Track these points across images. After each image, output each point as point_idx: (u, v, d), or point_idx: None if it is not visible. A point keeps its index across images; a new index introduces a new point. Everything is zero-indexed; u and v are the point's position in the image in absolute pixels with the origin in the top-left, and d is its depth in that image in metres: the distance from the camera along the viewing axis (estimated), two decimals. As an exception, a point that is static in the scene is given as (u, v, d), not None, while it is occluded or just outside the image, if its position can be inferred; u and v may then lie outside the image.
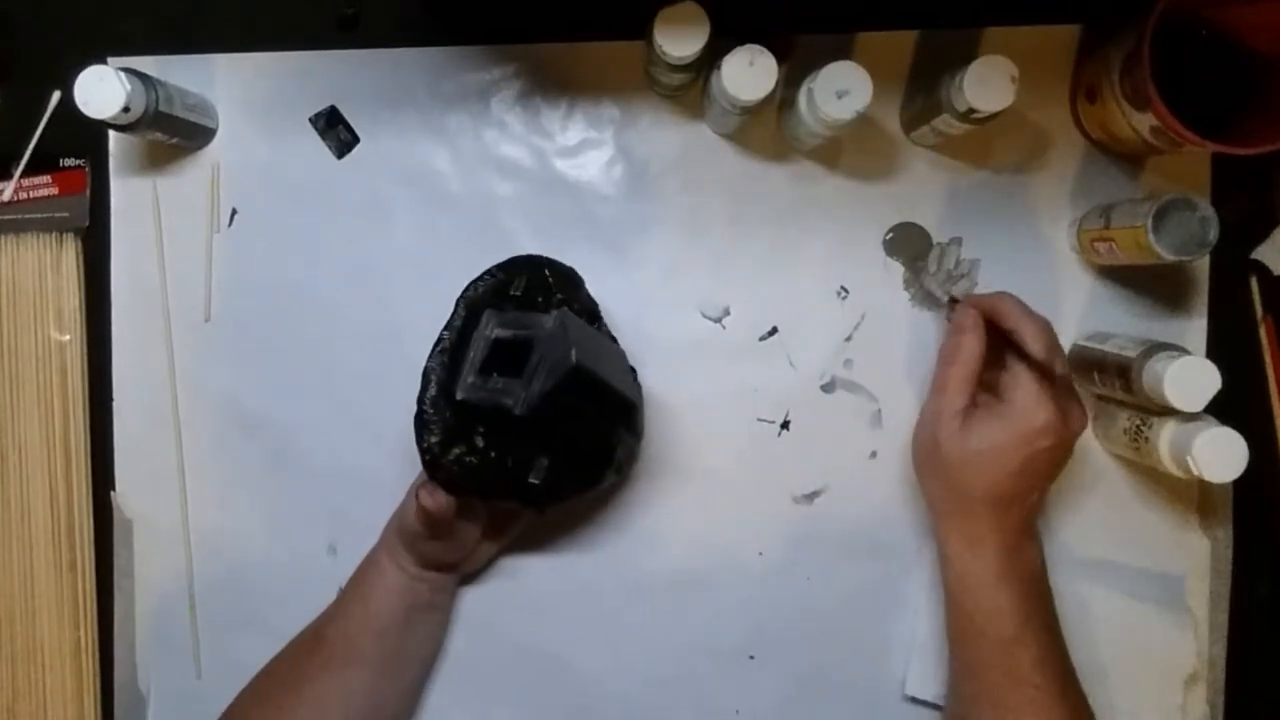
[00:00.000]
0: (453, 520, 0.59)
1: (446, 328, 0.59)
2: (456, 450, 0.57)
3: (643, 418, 0.64)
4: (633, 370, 0.63)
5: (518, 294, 0.59)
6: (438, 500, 0.57)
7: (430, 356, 0.58)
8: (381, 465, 0.66)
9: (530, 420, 0.54)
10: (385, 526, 0.64)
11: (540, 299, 0.60)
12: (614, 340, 0.63)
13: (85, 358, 0.69)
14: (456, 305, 0.59)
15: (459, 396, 0.55)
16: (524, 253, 0.62)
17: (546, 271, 0.61)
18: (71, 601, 0.69)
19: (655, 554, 0.67)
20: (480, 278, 0.60)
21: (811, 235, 0.67)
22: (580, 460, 0.59)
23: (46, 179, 0.69)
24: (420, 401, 0.57)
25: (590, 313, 0.62)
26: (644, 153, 0.67)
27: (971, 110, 0.57)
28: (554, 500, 0.59)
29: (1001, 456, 0.55)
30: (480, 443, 0.56)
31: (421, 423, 0.57)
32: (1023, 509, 0.56)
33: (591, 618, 0.67)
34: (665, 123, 0.67)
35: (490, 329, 0.57)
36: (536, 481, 0.57)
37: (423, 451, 0.57)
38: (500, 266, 0.61)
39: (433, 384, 0.57)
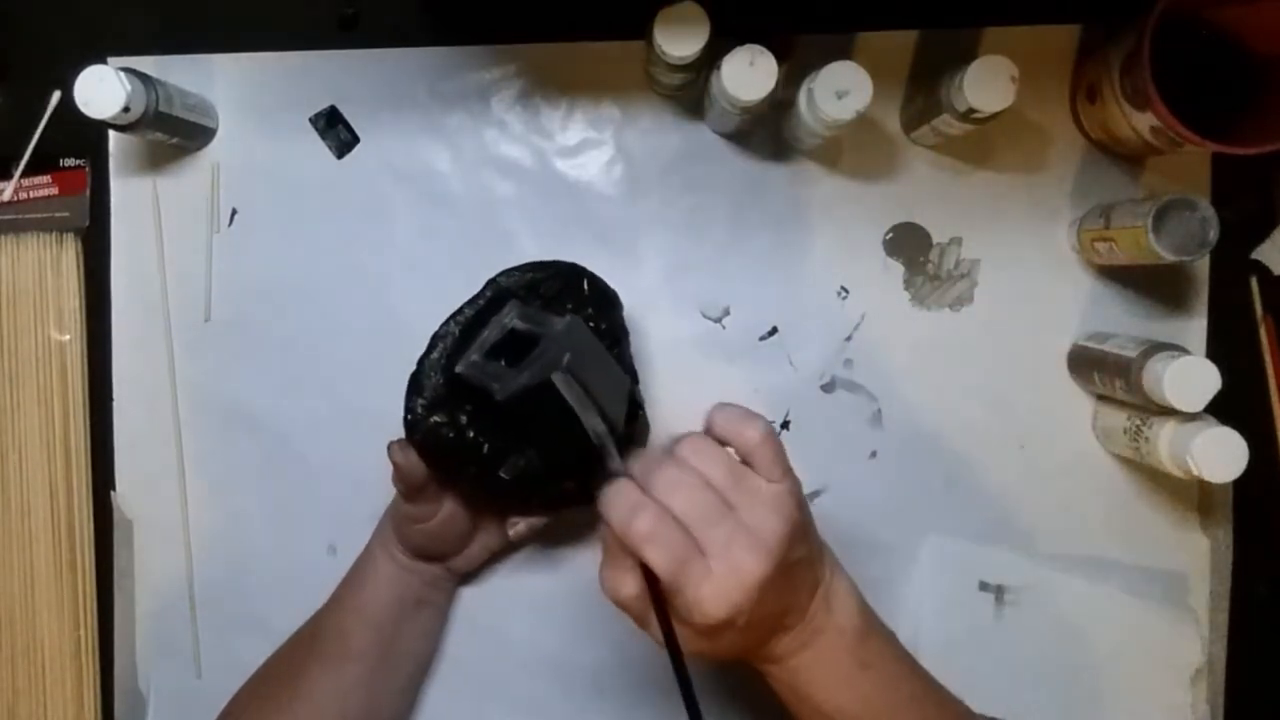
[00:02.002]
0: (428, 485, 0.59)
1: (469, 303, 0.58)
2: (436, 418, 0.57)
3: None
4: (639, 406, 0.62)
5: (549, 295, 0.59)
6: (408, 457, 0.57)
7: (444, 323, 0.58)
8: (381, 465, 0.65)
9: (508, 412, 0.53)
10: (379, 520, 0.64)
11: (570, 306, 0.59)
12: (634, 370, 0.62)
13: (85, 358, 0.69)
14: (485, 286, 0.59)
15: (457, 369, 0.55)
16: (526, 253, 0.62)
17: (585, 283, 0.60)
18: (71, 601, 0.69)
19: (655, 554, 0.67)
20: (517, 268, 0.60)
21: (811, 235, 0.67)
22: (559, 473, 0.58)
23: (46, 179, 0.69)
24: (421, 362, 0.57)
25: (615, 336, 0.61)
26: (644, 153, 0.67)
27: (971, 110, 0.57)
28: (517, 501, 0.59)
29: None
30: (463, 419, 0.56)
31: (415, 383, 0.57)
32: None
33: (592, 618, 0.67)
34: (665, 123, 0.67)
35: (510, 318, 0.57)
36: (507, 477, 0.57)
37: (406, 410, 0.57)
38: (540, 264, 0.60)
39: (438, 349, 0.57)
